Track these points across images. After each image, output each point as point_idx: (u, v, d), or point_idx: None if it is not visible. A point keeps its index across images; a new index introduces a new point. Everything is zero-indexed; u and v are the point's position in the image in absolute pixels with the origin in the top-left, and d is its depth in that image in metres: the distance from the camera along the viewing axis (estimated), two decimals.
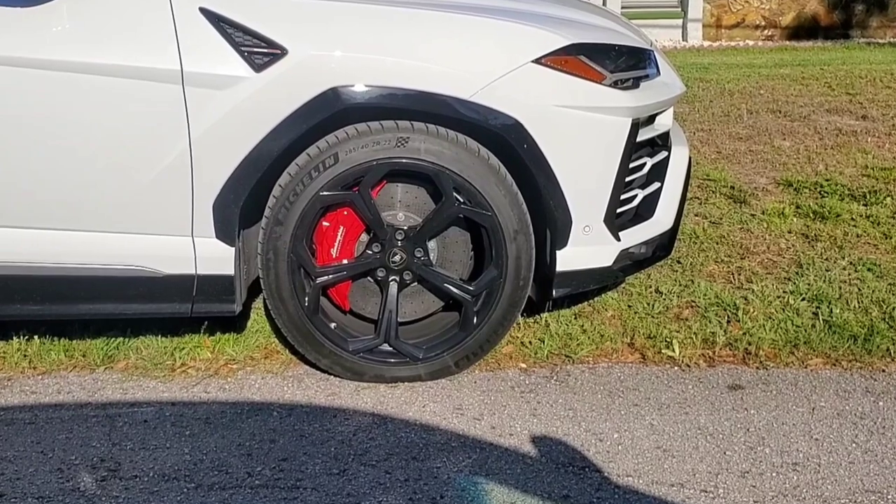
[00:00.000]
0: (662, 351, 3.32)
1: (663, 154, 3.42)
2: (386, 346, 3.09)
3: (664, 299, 3.68)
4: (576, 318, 3.54)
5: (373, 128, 2.90)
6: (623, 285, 3.79)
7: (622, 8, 11.00)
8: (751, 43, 11.57)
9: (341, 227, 3.03)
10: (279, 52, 2.80)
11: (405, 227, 3.02)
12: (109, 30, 2.80)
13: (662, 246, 3.40)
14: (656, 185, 3.38)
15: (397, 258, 3.03)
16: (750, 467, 2.69)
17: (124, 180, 2.86)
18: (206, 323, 3.39)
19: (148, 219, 2.92)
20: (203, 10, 2.80)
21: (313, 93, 2.81)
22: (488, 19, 2.98)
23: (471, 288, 3.06)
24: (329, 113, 2.84)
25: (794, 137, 6.16)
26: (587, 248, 3.11)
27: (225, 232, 2.93)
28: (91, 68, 2.76)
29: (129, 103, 2.80)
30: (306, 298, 3.01)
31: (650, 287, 3.79)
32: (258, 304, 3.55)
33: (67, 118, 2.81)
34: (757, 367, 3.25)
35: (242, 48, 2.79)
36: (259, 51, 2.80)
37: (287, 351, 3.30)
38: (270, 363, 3.27)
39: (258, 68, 2.79)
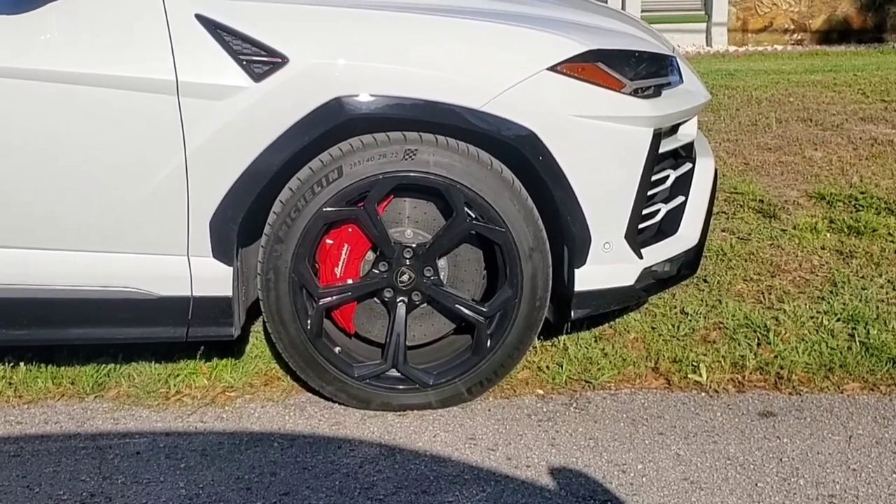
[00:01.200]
0: (689, 376, 3.32)
1: (687, 166, 3.43)
2: (394, 372, 3.09)
3: (690, 321, 3.68)
4: (596, 341, 3.54)
5: (379, 140, 2.92)
6: (646, 306, 3.79)
7: (642, 12, 11.04)
8: (779, 48, 11.59)
9: (346, 245, 3.05)
10: (279, 60, 2.82)
11: (414, 245, 3.03)
12: (100, 38, 2.82)
13: (688, 263, 3.40)
14: (680, 198, 3.38)
15: (405, 278, 3.04)
16: (783, 500, 2.68)
17: (116, 196, 2.88)
18: (202, 348, 3.40)
19: (140, 237, 2.93)
20: (199, 17, 2.82)
21: (316, 103, 2.83)
22: (501, 25, 3.00)
23: (484, 309, 3.06)
24: (332, 124, 2.85)
25: (826, 147, 6.16)
26: (607, 266, 3.11)
27: (222, 251, 2.94)
28: (81, 79, 2.79)
29: (121, 115, 2.82)
30: (309, 321, 3.02)
31: (675, 308, 3.79)
32: (257, 327, 3.56)
33: (55, 131, 2.83)
34: (790, 393, 3.25)
35: (241, 57, 2.82)
36: (258, 59, 2.82)
37: (288, 377, 3.31)
38: (271, 390, 3.27)
39: (257, 78, 2.81)
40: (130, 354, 3.41)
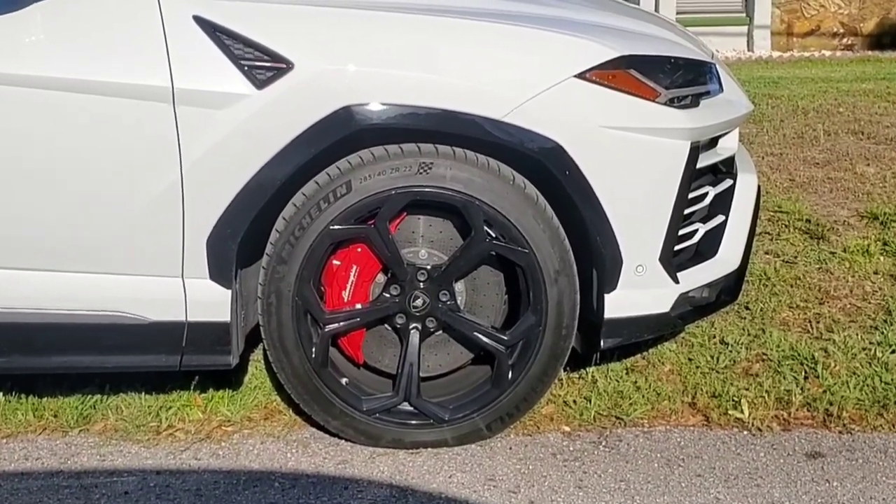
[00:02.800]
0: (729, 412, 3.31)
1: (728, 182, 3.43)
2: (406, 406, 3.10)
3: (730, 351, 3.67)
4: (627, 374, 3.54)
5: (391, 152, 2.93)
6: (682, 335, 3.78)
7: (677, 14, 11.07)
8: (827, 53, 11.60)
9: (354, 267, 3.06)
10: (284, 66, 2.84)
11: (428, 267, 3.04)
12: (90, 41, 2.85)
13: (728, 289, 3.40)
14: (720, 218, 3.39)
15: (419, 302, 3.05)
16: None
17: (104, 213, 2.90)
18: (196, 378, 3.40)
19: (131, 257, 2.95)
20: (197, 19, 2.84)
21: (323, 112, 2.85)
22: (524, 28, 3.02)
23: (505, 337, 3.07)
24: (341, 135, 2.87)
25: (879, 163, 6.15)
26: (640, 291, 3.11)
27: (220, 272, 2.95)
28: (68, 85, 2.81)
29: (111, 125, 2.85)
30: (313, 349, 3.03)
31: (714, 337, 3.79)
32: (257, 355, 3.57)
33: (39, 142, 2.85)
34: (840, 432, 3.24)
35: (242, 62, 2.84)
36: (261, 65, 2.84)
37: (291, 411, 3.32)
38: (271, 425, 3.28)
39: (260, 84, 2.83)
40: (119, 384, 3.42)
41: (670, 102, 3.07)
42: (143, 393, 3.40)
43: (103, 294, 2.97)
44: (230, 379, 3.43)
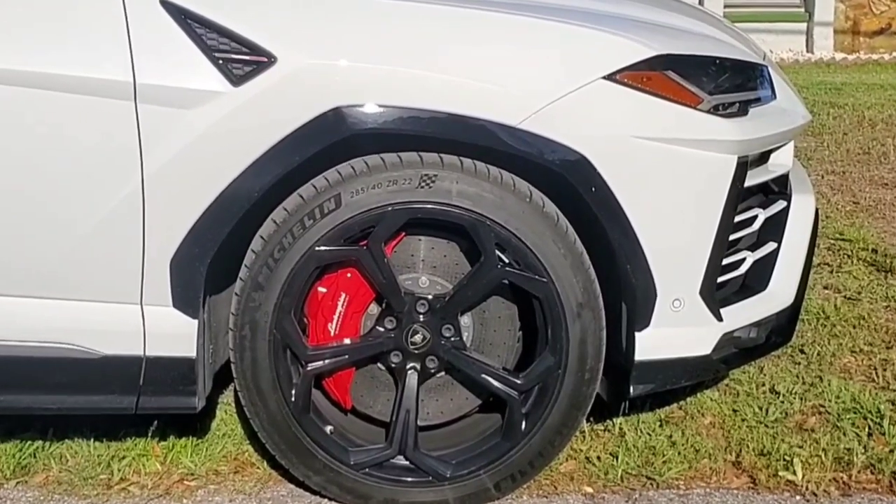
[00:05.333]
0: (779, 473, 3.31)
1: (780, 204, 3.44)
2: (401, 460, 3.10)
3: (782, 402, 3.67)
4: (661, 426, 3.54)
5: (388, 162, 2.94)
6: (726, 382, 3.79)
7: (725, 8, 11.11)
8: None
9: (343, 295, 3.07)
10: (265, 59, 2.85)
11: (430, 296, 3.05)
12: (37, 26, 2.86)
13: (779, 329, 3.41)
14: (771, 245, 3.40)
15: (418, 338, 3.05)
16: None
17: (49, 228, 2.91)
18: (155, 422, 3.41)
19: (81, 280, 2.96)
20: (165, 4, 2.85)
21: (310, 114, 2.86)
22: (546, 21, 3.04)
23: (518, 381, 3.07)
24: (330, 141, 2.88)
25: None
26: (677, 329, 3.12)
27: (185, 299, 2.96)
28: (8, 77, 2.81)
29: (60, 126, 2.85)
30: (293, 391, 3.03)
31: (763, 385, 3.79)
32: (227, 398, 3.57)
33: None
34: None
35: (216, 54, 2.85)
36: (238, 58, 2.85)
37: (265, 463, 3.32)
38: (242, 480, 3.28)
39: (237, 81, 2.85)
40: (64, 429, 3.42)
41: (714, 110, 3.08)
42: (93, 440, 3.40)
43: (47, 323, 2.97)
44: (195, 425, 3.43)
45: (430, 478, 3.10)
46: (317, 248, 2.94)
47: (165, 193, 2.88)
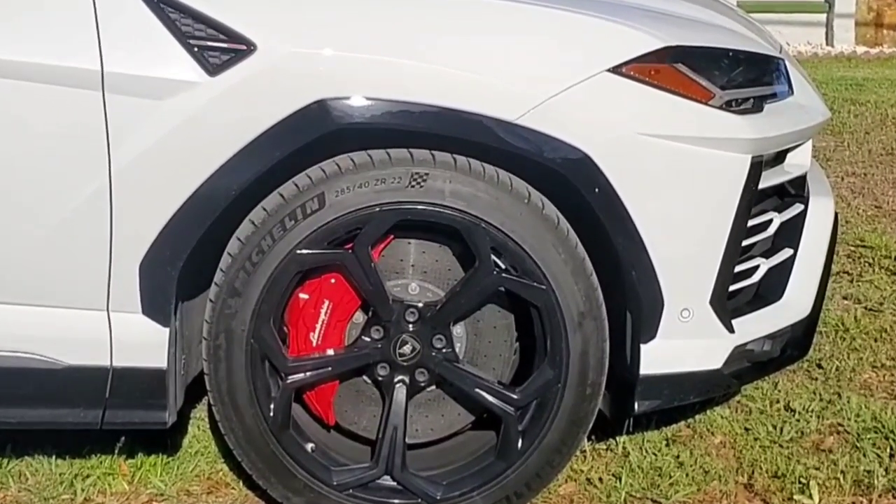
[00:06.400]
0: (795, 497, 3.31)
1: (797, 208, 3.45)
2: (388, 480, 3.09)
3: (798, 421, 3.68)
4: (668, 446, 3.54)
5: (376, 159, 2.94)
6: (738, 398, 3.79)
7: None
8: None
9: (326, 302, 3.06)
10: (244, 48, 2.85)
11: (420, 304, 3.04)
12: None
13: (795, 342, 3.41)
14: (787, 252, 3.40)
15: (407, 349, 3.05)
16: None
17: (10, 228, 2.90)
18: (123, 439, 3.40)
19: (43, 284, 2.95)
20: None
21: (292, 107, 2.85)
22: (546, 9, 3.04)
23: (514, 396, 3.06)
24: (313, 136, 2.88)
25: None
26: (685, 341, 3.12)
27: (155, 305, 2.95)
28: None
29: (20, 118, 2.85)
30: (272, 406, 3.02)
31: (777, 402, 3.79)
32: (200, 412, 3.57)
33: None
34: None
35: (192, 42, 2.85)
36: (215, 45, 2.85)
37: (241, 483, 3.31)
38: (216, 501, 3.27)
39: (213, 70, 2.84)
40: (24, 446, 3.41)
41: (727, 106, 3.08)
42: (55, 457, 3.39)
43: (5, 330, 2.96)
44: (165, 441, 3.42)
45: (419, 500, 3.09)
46: (298, 252, 2.93)
47: (135, 191, 2.87)
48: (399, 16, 2.98)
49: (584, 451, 3.46)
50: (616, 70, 2.97)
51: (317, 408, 3.14)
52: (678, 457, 3.47)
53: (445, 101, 2.90)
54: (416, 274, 3.10)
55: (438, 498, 3.09)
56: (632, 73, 2.98)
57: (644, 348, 3.09)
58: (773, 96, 3.26)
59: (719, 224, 3.09)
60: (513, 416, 3.07)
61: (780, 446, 3.55)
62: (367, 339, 3.06)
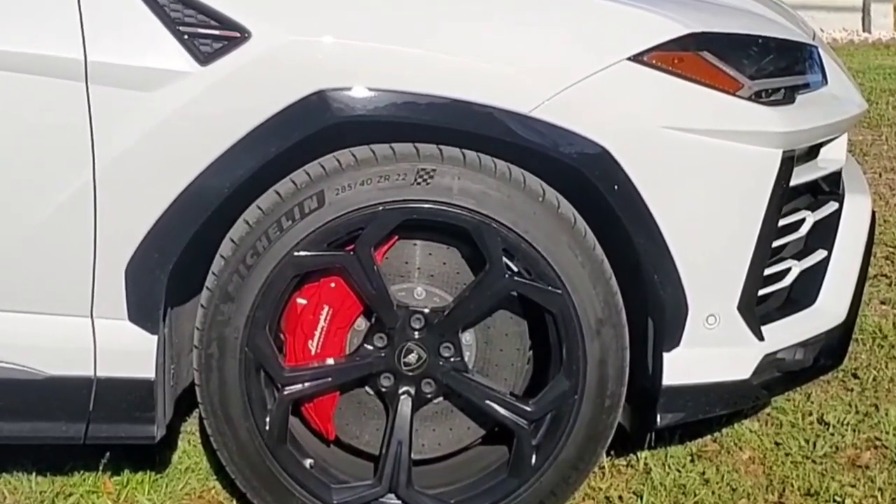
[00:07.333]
0: None
1: (832, 206, 3.45)
2: (392, 499, 3.09)
3: (832, 434, 3.67)
4: (693, 461, 3.54)
5: (379, 154, 2.94)
6: (767, 410, 3.79)
7: None
8: None
9: (326, 308, 3.06)
10: (237, 35, 2.84)
11: (426, 310, 3.04)
12: None
13: (829, 350, 3.41)
14: (821, 254, 3.40)
15: (413, 358, 3.04)
16: None
17: None
18: (108, 454, 3.39)
19: (21, 289, 2.95)
20: None
21: (289, 98, 2.85)
22: None
23: (528, 408, 3.06)
24: (312, 129, 2.88)
25: None
26: (712, 350, 3.12)
27: (142, 311, 2.95)
28: None
29: None
30: (268, 419, 3.02)
31: (810, 415, 3.79)
32: (191, 426, 3.57)
33: None
34: None
35: (182, 28, 2.84)
36: (207, 33, 2.84)
37: (235, 502, 3.32)
38: None
39: (205, 59, 2.83)
40: (2, 462, 3.41)
41: (756, 97, 3.08)
42: (35, 474, 3.39)
43: None
44: (153, 457, 3.43)
45: None
46: (296, 254, 2.93)
47: (120, 188, 2.87)
48: (404, 1, 2.97)
49: (603, 467, 3.46)
50: (637, 58, 2.96)
51: (316, 421, 3.14)
52: (703, 473, 3.47)
53: (454, 92, 2.90)
54: (423, 277, 3.10)
55: None
56: (654, 61, 2.97)
57: (667, 357, 3.09)
58: (806, 86, 3.26)
59: (748, 224, 3.09)
60: (526, 430, 3.06)
61: (814, 462, 3.54)
62: (370, 347, 3.06)
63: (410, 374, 3.05)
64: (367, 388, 3.12)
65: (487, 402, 3.07)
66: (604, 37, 2.99)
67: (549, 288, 2.97)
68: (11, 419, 3.02)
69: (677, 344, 3.09)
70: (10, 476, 3.38)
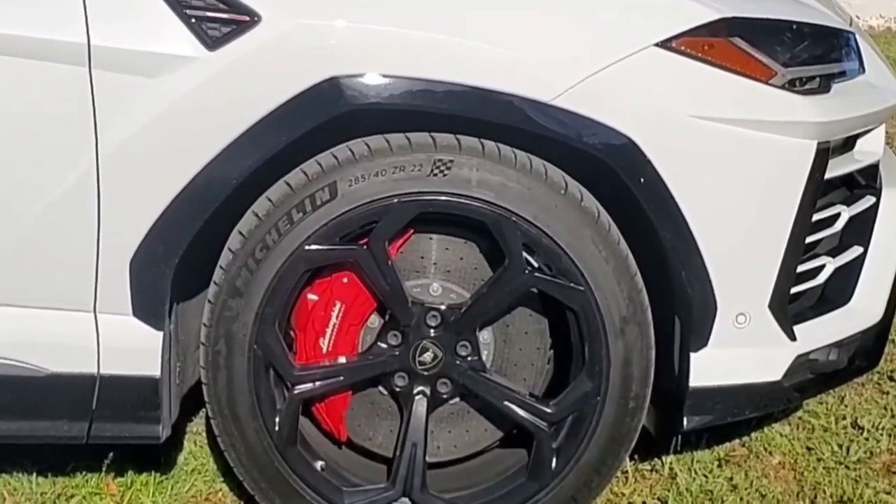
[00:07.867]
0: None
1: (868, 200, 3.43)
2: (405, 503, 3.08)
3: (867, 439, 3.67)
4: (720, 467, 3.54)
5: (394, 144, 2.93)
6: (799, 414, 3.79)
7: None
8: None
9: (338, 304, 3.05)
10: (247, 19, 2.83)
11: (442, 307, 3.04)
12: None
13: (864, 351, 3.40)
14: (856, 250, 3.39)
15: (428, 357, 3.04)
16: None
17: None
18: (111, 455, 3.40)
19: (22, 283, 2.96)
20: None
21: (300, 86, 2.84)
22: None
23: (548, 410, 3.06)
24: (324, 118, 2.87)
25: None
26: (741, 350, 3.11)
27: (147, 306, 2.95)
28: None
29: None
30: (277, 419, 3.02)
31: (844, 418, 3.79)
32: (198, 426, 3.57)
33: None
34: None
35: (189, 12, 2.83)
36: (215, 16, 2.83)
37: None
38: None
39: (213, 44, 2.82)
40: (2, 462, 3.42)
41: (790, 85, 3.06)
42: (36, 474, 3.41)
43: None
44: (158, 458, 3.43)
45: None
46: (307, 248, 2.93)
47: (124, 179, 2.86)
48: None
49: (626, 471, 3.47)
50: (665, 44, 2.94)
51: (327, 422, 3.14)
52: (731, 479, 3.47)
53: (472, 80, 2.88)
54: (439, 273, 3.09)
55: None
56: (683, 47, 2.95)
57: (694, 357, 3.09)
58: (842, 75, 3.24)
59: (780, 218, 3.08)
60: (546, 433, 3.06)
61: (847, 468, 3.54)
62: (384, 345, 3.06)
63: (426, 373, 3.05)
64: (380, 388, 3.13)
65: (506, 403, 3.07)
66: (630, 22, 2.98)
67: (571, 284, 2.97)
68: (12, 418, 3.03)
69: (705, 343, 3.08)
70: (11, 477, 3.39)
